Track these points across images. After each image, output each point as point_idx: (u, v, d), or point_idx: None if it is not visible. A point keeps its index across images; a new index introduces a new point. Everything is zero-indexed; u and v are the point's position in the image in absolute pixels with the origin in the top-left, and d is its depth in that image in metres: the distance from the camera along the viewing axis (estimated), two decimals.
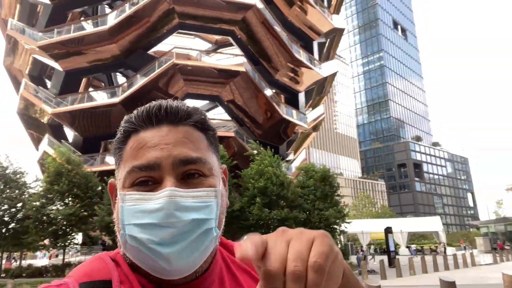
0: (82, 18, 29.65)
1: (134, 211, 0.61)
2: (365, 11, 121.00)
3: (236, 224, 19.40)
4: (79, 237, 24.53)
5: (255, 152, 22.11)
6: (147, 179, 0.64)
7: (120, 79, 32.19)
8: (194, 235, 0.61)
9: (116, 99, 24.17)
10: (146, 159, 0.63)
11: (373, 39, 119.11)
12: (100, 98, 26.25)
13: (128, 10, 24.07)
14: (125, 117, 0.70)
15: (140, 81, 24.10)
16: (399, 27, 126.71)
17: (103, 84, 33.49)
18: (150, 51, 28.17)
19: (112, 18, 24.67)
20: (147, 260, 0.61)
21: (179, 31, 28.12)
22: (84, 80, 30.52)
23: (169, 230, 0.60)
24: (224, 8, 25.43)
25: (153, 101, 0.70)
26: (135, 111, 0.70)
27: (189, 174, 0.65)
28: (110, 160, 25.43)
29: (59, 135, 27.33)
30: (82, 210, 20.01)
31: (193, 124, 0.68)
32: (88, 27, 25.90)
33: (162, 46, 29.36)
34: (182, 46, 29.63)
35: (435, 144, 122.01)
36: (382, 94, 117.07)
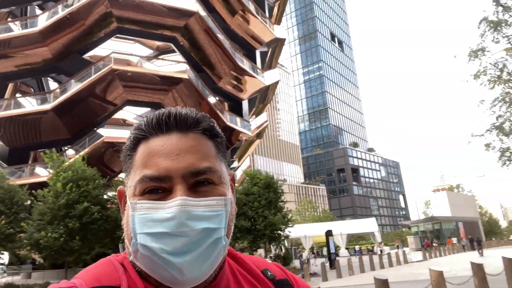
0: (9, 19, 27.36)
1: (146, 220, 0.61)
2: (304, 23, 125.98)
3: None
4: (5, 257, 22.32)
5: None
6: (157, 188, 0.64)
7: (52, 84, 30.09)
8: (205, 244, 0.61)
9: (47, 106, 22.56)
10: (157, 169, 0.64)
11: (312, 50, 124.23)
12: (29, 104, 24.33)
13: (62, 12, 22.72)
14: (135, 125, 0.71)
15: (75, 87, 22.75)
16: (336, 39, 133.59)
17: (32, 89, 31.08)
18: (86, 56, 26.76)
19: (44, 20, 23.09)
20: (159, 270, 0.61)
21: (118, 36, 27.09)
22: (10, 86, 28.09)
23: (181, 239, 0.60)
24: (166, 14, 25.00)
25: (162, 108, 0.70)
26: (144, 118, 0.69)
27: (199, 182, 0.65)
28: (41, 171, 23.60)
29: None
30: (8, 227, 18.28)
31: (202, 131, 0.69)
32: (16, 28, 23.97)
33: (100, 51, 28.02)
34: (121, 51, 28.52)
35: (370, 149, 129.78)
36: (322, 102, 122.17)
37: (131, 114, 34.17)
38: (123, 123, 33.06)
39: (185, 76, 24.84)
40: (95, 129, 24.18)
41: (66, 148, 25.75)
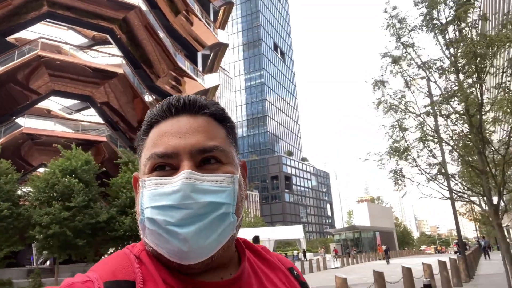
0: None
1: (153, 195, 0.63)
2: (249, 30, 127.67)
3: (100, 236, 18.02)
4: None
5: (126, 160, 21.00)
6: (165, 164, 0.66)
7: None
8: (211, 217, 0.62)
9: None
10: (165, 147, 0.66)
11: (255, 58, 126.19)
12: None
13: None
14: (148, 111, 0.73)
15: None
16: (279, 49, 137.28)
17: None
18: (10, 38, 24.48)
19: None
20: (165, 244, 0.61)
21: (49, 20, 25.22)
22: None
23: (185, 211, 0.61)
24: (104, 4, 23.86)
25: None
26: (157, 105, 0.72)
27: (206, 160, 0.66)
28: None
29: None
30: None
31: (211, 114, 0.71)
32: None
33: (27, 34, 25.83)
34: (51, 36, 26.52)
35: (304, 159, 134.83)
36: (261, 109, 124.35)
37: (58, 104, 31.83)
38: (47, 113, 30.69)
39: (120, 70, 23.85)
40: (13, 118, 22.15)
41: None
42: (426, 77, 4.87)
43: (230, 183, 0.65)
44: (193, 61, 31.88)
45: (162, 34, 26.74)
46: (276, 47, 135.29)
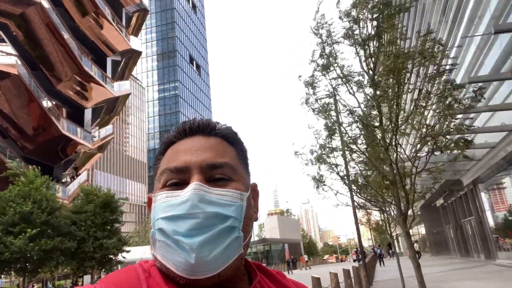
0: None
1: (164, 207, 0.65)
2: (164, 41, 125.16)
3: None
4: None
5: (15, 172, 18.57)
6: (178, 181, 0.68)
7: None
8: (217, 228, 0.62)
9: None
10: (177, 162, 0.69)
11: (170, 69, 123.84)
12: None
13: None
14: (166, 135, 0.78)
15: None
16: (194, 62, 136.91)
17: None
18: None
19: None
20: (173, 255, 0.62)
21: None
22: None
23: (192, 221, 0.62)
24: None
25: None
26: (174, 127, 0.78)
27: (217, 178, 0.68)
28: None
29: None
30: None
31: (222, 136, 0.74)
32: None
33: None
34: None
35: None
36: (175, 121, 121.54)
37: None
38: None
39: (14, 71, 21.22)
40: None
41: None
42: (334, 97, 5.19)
43: (238, 199, 0.68)
44: (102, 67, 29.87)
45: (66, 35, 24.59)
46: (191, 59, 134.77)
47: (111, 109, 33.64)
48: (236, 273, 0.68)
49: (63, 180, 28.54)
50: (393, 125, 4.25)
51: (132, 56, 34.70)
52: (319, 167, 5.86)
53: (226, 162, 0.70)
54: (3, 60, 22.78)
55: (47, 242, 17.02)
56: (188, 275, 0.62)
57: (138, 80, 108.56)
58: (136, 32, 36.11)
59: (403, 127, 4.36)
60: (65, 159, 27.78)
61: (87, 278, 26.78)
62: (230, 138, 0.76)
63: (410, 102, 4.61)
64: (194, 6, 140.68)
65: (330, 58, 4.77)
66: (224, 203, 0.65)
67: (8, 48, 24.93)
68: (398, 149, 4.43)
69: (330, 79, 4.98)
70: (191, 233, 0.61)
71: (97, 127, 32.50)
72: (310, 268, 35.91)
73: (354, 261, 31.69)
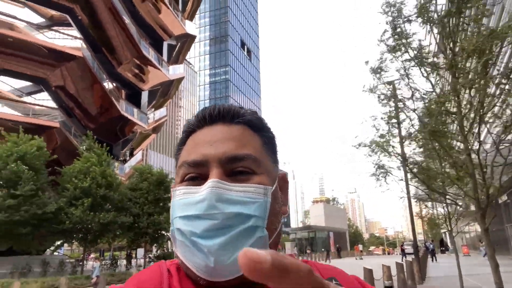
0: None
1: (181, 204, 0.61)
2: (217, 25, 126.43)
3: (46, 228, 16.84)
4: None
5: (84, 148, 19.93)
6: (196, 175, 0.64)
7: None
8: (237, 230, 0.57)
9: None
10: (195, 155, 0.64)
11: (221, 53, 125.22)
12: None
13: None
14: (186, 122, 0.73)
15: None
16: (245, 47, 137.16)
17: None
18: None
19: None
20: (192, 257, 0.59)
21: None
22: None
23: (210, 222, 0.57)
24: None
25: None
26: (194, 115, 0.72)
27: (238, 172, 0.63)
28: None
29: None
30: None
31: (246, 123, 0.68)
32: None
33: None
34: (5, 12, 24.47)
35: None
36: None
37: (7, 86, 29.53)
38: None
39: (79, 53, 22.53)
40: None
41: None
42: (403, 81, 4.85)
43: (261, 195, 0.62)
44: (158, 50, 30.86)
45: (127, 19, 25.59)
46: (243, 44, 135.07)
47: (165, 92, 34.81)
48: None
49: (121, 159, 30.21)
50: (474, 112, 3.85)
51: (187, 40, 35.43)
52: (379, 156, 5.59)
53: (249, 154, 0.64)
54: (70, 43, 24.27)
55: (106, 215, 18.23)
56: (207, 277, 0.58)
57: (191, 64, 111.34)
58: (191, 17, 36.75)
59: (489, 114, 3.93)
60: (123, 138, 29.34)
61: (140, 251, 28.37)
62: (254, 125, 0.70)
63: (495, 87, 4.16)
64: None
65: (402, 39, 4.43)
66: (245, 201, 0.60)
67: (74, 32, 26.52)
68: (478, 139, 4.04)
69: (402, 61, 4.62)
70: (208, 235, 0.57)
71: (152, 109, 33.85)
72: (362, 258, 36.77)
73: (402, 255, 30.50)
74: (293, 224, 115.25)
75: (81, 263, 19.81)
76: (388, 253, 66.17)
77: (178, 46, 35.50)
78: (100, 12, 24.25)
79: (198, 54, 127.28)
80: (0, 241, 15.73)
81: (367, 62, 5.16)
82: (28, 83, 27.24)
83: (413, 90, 4.57)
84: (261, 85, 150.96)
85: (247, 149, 0.64)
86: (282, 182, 0.72)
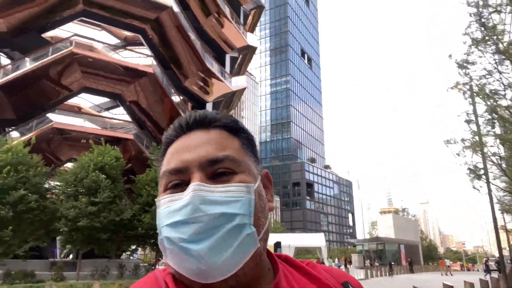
0: None
1: (167, 213, 0.62)
2: (277, 36, 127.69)
3: (123, 233, 18.02)
4: None
5: (153, 157, 21.09)
6: (179, 182, 0.64)
7: (4, 61, 27.98)
8: (224, 230, 0.58)
9: None
10: (175, 162, 0.65)
11: (282, 63, 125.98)
12: None
13: None
14: (164, 133, 0.73)
15: (29, 65, 21.25)
16: (306, 55, 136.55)
17: None
18: (46, 35, 25.19)
19: None
20: (183, 263, 0.59)
21: (84, 20, 25.80)
22: None
23: (196, 225, 0.58)
24: (137, 4, 24.17)
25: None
26: (170, 125, 0.71)
27: (219, 173, 0.64)
28: None
29: None
30: None
31: (223, 127, 0.69)
32: None
33: (62, 33, 26.53)
34: (85, 35, 27.13)
35: (326, 166, 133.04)
36: (285, 115, 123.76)
37: (88, 102, 32.51)
38: (77, 111, 31.34)
39: (150, 70, 24.04)
40: (44, 113, 22.64)
41: (10, 129, 23.89)
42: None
43: (244, 193, 0.62)
44: (221, 63, 31.87)
45: (192, 36, 26.83)
46: (303, 53, 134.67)
47: (228, 103, 35.76)
48: (257, 269, 0.63)
49: None
50: None
51: (248, 52, 36.17)
52: (472, 156, 5.06)
53: (228, 155, 0.65)
54: (141, 60, 26.06)
55: None
56: (201, 280, 0.59)
57: (252, 75, 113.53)
58: (252, 29, 37.53)
59: None
60: None
61: None
62: (231, 128, 0.70)
63: None
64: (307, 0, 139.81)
65: (488, 30, 3.99)
66: (229, 200, 0.60)
67: (145, 50, 28.46)
68: None
69: (492, 53, 4.17)
70: (196, 239, 0.58)
71: None
72: (452, 274, 33.29)
73: (486, 271, 27.67)
74: (359, 236, 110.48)
75: (153, 267, 20.85)
76: (468, 269, 60.56)
77: (240, 58, 36.39)
78: (169, 30, 25.74)
79: (259, 65, 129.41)
80: (82, 245, 17.11)
81: (450, 56, 4.74)
82: (106, 99, 29.74)
83: (505, 85, 4.08)
84: (323, 92, 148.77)
85: (226, 151, 0.65)
86: (266, 180, 0.72)
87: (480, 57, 4.09)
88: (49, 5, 22.42)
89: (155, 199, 0.66)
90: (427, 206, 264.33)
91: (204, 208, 0.58)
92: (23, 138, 19.84)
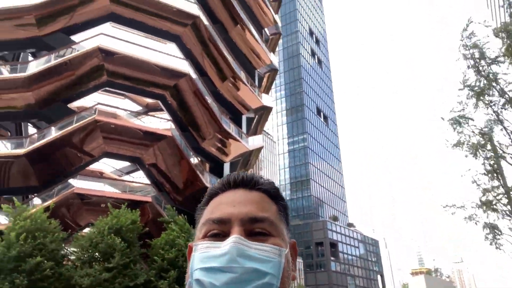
0: (0, 63, 27.54)
1: (203, 257, 0.66)
2: (292, 96, 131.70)
3: None
4: None
5: (170, 220, 20.87)
6: (218, 232, 0.70)
7: (32, 130, 29.51)
8: (254, 284, 0.61)
9: (20, 151, 21.77)
10: (220, 213, 0.71)
11: (298, 122, 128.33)
12: (3, 147, 23.48)
13: (54, 60, 23.00)
14: (210, 186, 0.82)
15: (54, 134, 22.26)
16: (321, 114, 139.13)
17: (9, 133, 30.32)
18: (73, 105, 26.67)
19: (34, 66, 23.27)
20: None
21: (107, 89, 27.38)
22: None
23: (229, 275, 0.61)
24: (158, 73, 25.62)
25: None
26: (218, 180, 0.81)
27: (256, 233, 0.70)
28: (2, 219, 22.00)
29: None
30: None
31: (264, 191, 0.77)
32: (5, 71, 24.01)
33: (87, 102, 28.08)
34: (109, 104, 28.63)
35: (350, 224, 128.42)
36: (304, 173, 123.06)
37: (110, 167, 33.30)
38: (99, 176, 32.03)
39: (168, 133, 24.73)
40: (66, 178, 23.20)
41: (32, 196, 24.41)
42: None
43: (277, 255, 0.67)
44: (238, 124, 32.63)
45: (209, 99, 27.89)
46: (319, 111, 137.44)
47: (245, 162, 35.96)
48: None
49: None
50: None
51: (264, 112, 37.12)
52: (487, 215, 4.75)
53: (267, 217, 0.71)
54: (161, 124, 26.98)
55: None
56: None
57: (269, 135, 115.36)
58: (267, 90, 38.88)
59: None
60: None
61: None
62: (272, 194, 0.76)
63: None
64: (319, 62, 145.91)
65: (490, 81, 3.94)
66: (262, 259, 0.64)
67: (165, 114, 29.59)
68: None
69: (491, 105, 4.09)
70: (226, 287, 0.60)
71: None
72: None
73: None
74: None
75: None
76: None
77: (256, 118, 37.28)
78: (187, 95, 26.90)
79: (276, 124, 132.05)
80: None
81: (443, 118, 4.67)
82: (127, 163, 30.41)
83: (510, 135, 3.93)
84: (341, 149, 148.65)
85: (266, 213, 0.71)
86: (292, 250, 0.76)
87: (476, 108, 4.02)
88: (75, 78, 24.01)
89: (193, 244, 0.69)
90: (462, 265, 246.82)
91: (240, 260, 0.61)
92: (44, 204, 20.15)
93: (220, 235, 0.68)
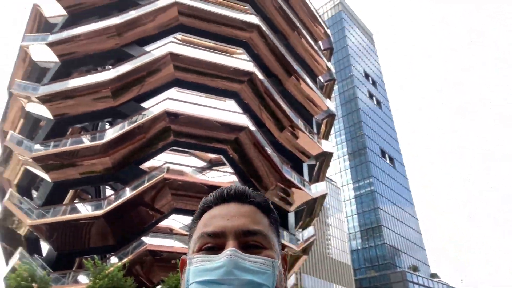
0: (81, 133, 30.88)
1: (198, 271, 0.67)
2: (353, 140, 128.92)
3: None
4: None
5: None
6: (213, 246, 0.72)
7: (109, 192, 31.91)
8: None
9: (99, 212, 23.45)
10: (214, 226, 0.74)
11: (362, 166, 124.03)
12: (85, 210, 25.51)
13: (127, 126, 25.23)
14: (203, 199, 0.84)
15: (128, 194, 23.79)
16: (386, 156, 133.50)
17: (89, 196, 33.04)
18: (144, 166, 28.58)
19: (110, 133, 25.68)
20: None
21: (174, 148, 29.08)
22: (71, 192, 30.16)
23: (226, 287, 0.63)
24: (218, 129, 26.79)
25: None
26: (211, 193, 0.83)
27: (250, 245, 0.72)
28: (83, 279, 23.31)
29: (34, 250, 25.58)
30: None
31: (256, 204, 0.79)
32: (86, 140, 26.76)
33: (156, 162, 29.97)
34: (176, 162, 30.30)
35: (433, 275, 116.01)
36: (374, 219, 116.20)
37: (178, 223, 34.39)
38: (169, 232, 33.10)
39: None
40: (140, 236, 24.26)
41: (110, 255, 25.76)
42: None
43: (270, 267, 0.69)
44: (299, 172, 32.32)
45: (269, 150, 28.27)
46: (383, 153, 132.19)
47: (310, 210, 35.00)
48: None
49: None
50: None
51: (325, 158, 36.55)
52: None
53: (260, 229, 0.73)
54: (225, 179, 27.69)
55: None
56: None
57: (333, 181, 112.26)
58: (326, 136, 38.57)
59: None
60: None
61: None
62: (263, 207, 0.80)
63: None
64: (378, 103, 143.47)
65: None
66: (257, 271, 0.66)
67: (227, 168, 30.41)
68: None
69: None
70: None
71: (300, 230, 33.91)
72: None
73: None
74: None
75: None
76: None
77: (317, 165, 36.73)
78: (247, 148, 27.58)
79: (339, 170, 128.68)
80: None
81: None
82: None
83: None
84: (412, 191, 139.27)
85: (259, 226, 0.73)
86: (283, 261, 0.79)
87: None
88: (146, 140, 25.96)
89: (188, 257, 0.71)
90: None
91: (236, 272, 0.63)
92: (120, 262, 21.06)
93: (215, 248, 0.70)
